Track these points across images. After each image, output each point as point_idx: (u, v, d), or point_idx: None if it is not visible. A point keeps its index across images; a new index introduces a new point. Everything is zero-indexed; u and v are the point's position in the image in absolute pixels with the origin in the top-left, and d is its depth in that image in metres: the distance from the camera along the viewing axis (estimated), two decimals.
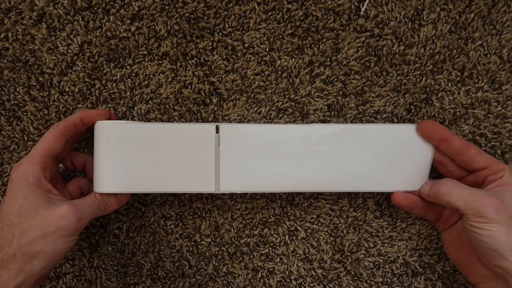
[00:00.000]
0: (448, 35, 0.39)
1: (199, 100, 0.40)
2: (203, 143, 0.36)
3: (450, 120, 0.40)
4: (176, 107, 0.40)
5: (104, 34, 0.38)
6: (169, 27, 0.39)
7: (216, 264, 0.42)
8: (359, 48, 0.39)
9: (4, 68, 0.39)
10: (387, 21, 0.39)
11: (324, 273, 0.42)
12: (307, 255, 0.42)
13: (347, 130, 0.36)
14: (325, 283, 0.42)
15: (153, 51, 0.39)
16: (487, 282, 0.35)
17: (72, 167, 0.39)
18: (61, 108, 0.39)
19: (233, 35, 0.39)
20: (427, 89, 0.40)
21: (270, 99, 0.40)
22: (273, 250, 0.42)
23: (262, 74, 0.39)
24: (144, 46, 0.39)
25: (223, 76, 0.39)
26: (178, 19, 0.39)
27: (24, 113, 0.40)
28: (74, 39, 0.38)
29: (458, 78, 0.40)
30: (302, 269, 0.42)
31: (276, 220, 0.42)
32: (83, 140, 0.40)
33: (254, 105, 0.40)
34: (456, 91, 0.40)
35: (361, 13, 0.39)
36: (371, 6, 0.39)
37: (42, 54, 0.39)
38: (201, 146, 0.36)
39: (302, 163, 0.36)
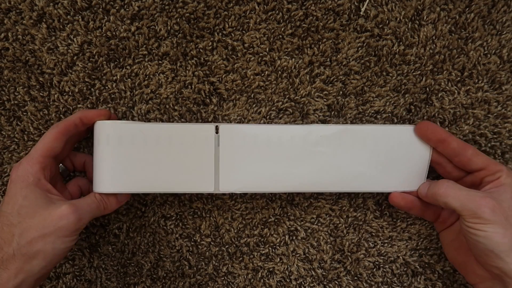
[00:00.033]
0: (448, 35, 0.39)
1: (199, 100, 0.40)
2: (202, 143, 0.36)
3: (450, 120, 0.40)
4: (176, 107, 0.40)
5: (104, 34, 0.38)
6: (169, 27, 0.39)
7: (216, 264, 0.42)
8: (359, 48, 0.39)
9: (4, 68, 0.39)
10: (387, 21, 0.39)
11: (324, 273, 0.42)
12: (307, 255, 0.42)
13: (345, 130, 0.37)
14: (325, 283, 0.42)
15: (153, 51, 0.39)
16: (484, 282, 0.35)
17: (72, 167, 0.39)
18: (61, 108, 0.39)
19: (233, 35, 0.39)
20: (427, 89, 0.40)
21: (270, 99, 0.40)
22: (273, 250, 0.42)
23: (262, 74, 0.39)
24: (144, 46, 0.39)
25: (223, 76, 0.39)
26: (178, 19, 0.39)
27: (24, 113, 0.40)
28: (74, 39, 0.38)
29: (458, 78, 0.40)
30: (302, 269, 0.42)
31: (276, 220, 0.42)
32: (83, 140, 0.40)
33: (254, 105, 0.40)
34: (456, 91, 0.40)
35: (361, 13, 0.39)
36: (371, 6, 0.39)
37: (42, 54, 0.39)
38: (200, 146, 0.36)
39: (302, 163, 0.36)
